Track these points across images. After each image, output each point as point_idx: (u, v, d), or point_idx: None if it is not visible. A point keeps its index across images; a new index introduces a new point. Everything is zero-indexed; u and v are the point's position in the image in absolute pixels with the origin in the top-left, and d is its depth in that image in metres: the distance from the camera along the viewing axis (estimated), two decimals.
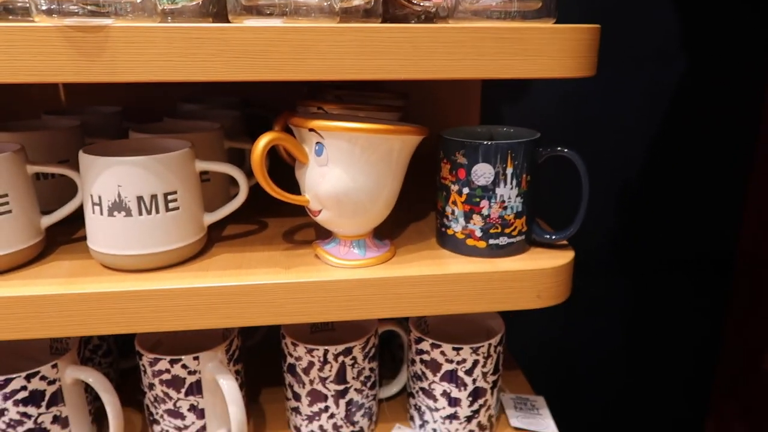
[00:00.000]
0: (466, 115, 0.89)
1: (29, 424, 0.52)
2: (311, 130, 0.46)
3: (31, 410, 0.51)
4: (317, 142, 0.46)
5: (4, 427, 0.51)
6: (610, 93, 1.00)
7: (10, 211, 0.47)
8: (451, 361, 0.56)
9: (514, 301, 0.51)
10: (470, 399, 0.57)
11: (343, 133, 0.45)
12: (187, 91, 0.81)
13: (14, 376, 0.50)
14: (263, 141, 0.45)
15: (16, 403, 0.51)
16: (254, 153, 0.45)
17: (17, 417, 0.51)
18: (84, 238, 0.55)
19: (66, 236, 0.56)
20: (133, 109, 0.77)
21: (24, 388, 0.51)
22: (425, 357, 0.57)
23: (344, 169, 0.46)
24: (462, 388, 0.57)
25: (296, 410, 0.58)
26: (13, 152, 0.48)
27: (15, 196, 0.48)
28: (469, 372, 0.56)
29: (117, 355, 0.68)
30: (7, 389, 0.50)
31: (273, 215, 0.62)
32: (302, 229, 0.59)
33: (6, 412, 0.51)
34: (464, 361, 0.56)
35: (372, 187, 0.48)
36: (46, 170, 0.51)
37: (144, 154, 0.47)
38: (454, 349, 0.55)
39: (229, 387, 0.53)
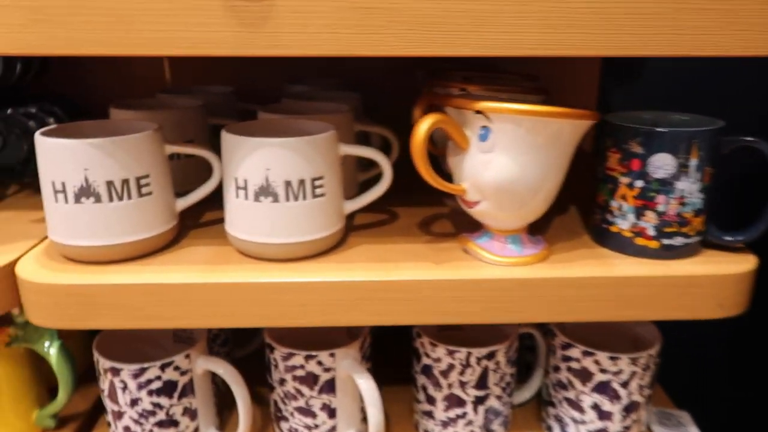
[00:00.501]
0: (580, 100, 0.83)
1: (161, 415, 0.50)
2: (478, 112, 0.41)
3: (164, 401, 0.50)
4: (483, 126, 0.42)
5: (136, 417, 0.50)
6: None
7: (150, 193, 0.45)
8: (606, 371, 0.51)
9: (691, 310, 0.45)
10: (623, 413, 0.52)
11: (515, 117, 0.40)
12: (291, 72, 0.78)
13: (149, 365, 0.48)
14: (426, 124, 0.41)
15: (150, 393, 0.49)
16: (416, 137, 0.41)
17: (150, 407, 0.49)
18: (212, 222, 0.53)
19: (191, 220, 0.54)
20: (240, 90, 0.75)
21: (158, 378, 0.49)
22: (574, 365, 0.52)
23: (512, 157, 0.41)
24: (615, 401, 0.51)
25: (429, 414, 0.55)
26: (153, 131, 0.45)
27: (155, 176, 0.45)
28: (625, 384, 0.51)
29: (232, 345, 0.66)
30: (142, 378, 0.48)
31: (400, 203, 0.58)
32: (438, 220, 0.55)
33: (140, 402, 0.49)
34: (621, 372, 0.50)
35: (539, 177, 0.43)
36: (183, 150, 0.48)
37: (285, 137, 0.43)
38: (610, 358, 0.50)
39: (367, 387, 0.49)
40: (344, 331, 0.58)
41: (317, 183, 0.44)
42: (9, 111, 0.64)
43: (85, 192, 0.43)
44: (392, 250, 0.48)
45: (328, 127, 0.47)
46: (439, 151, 0.52)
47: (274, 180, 0.43)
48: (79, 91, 0.79)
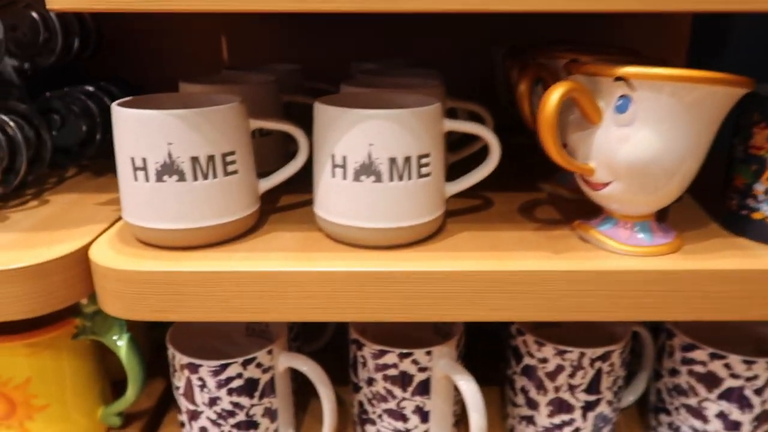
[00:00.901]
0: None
1: (240, 416, 0.46)
2: (619, 79, 0.36)
3: (244, 400, 0.45)
4: (622, 96, 0.36)
5: (214, 417, 0.45)
6: None
7: (236, 172, 0.41)
8: (738, 377, 0.45)
9: None
10: (755, 424, 0.46)
11: (663, 84, 0.35)
12: (353, 52, 0.74)
13: (230, 361, 0.44)
14: (558, 93, 0.36)
15: (230, 392, 0.45)
16: (547, 107, 0.36)
17: (229, 407, 0.45)
18: (291, 205, 0.49)
19: (265, 203, 0.49)
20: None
21: (239, 375, 0.44)
22: (698, 369, 0.47)
23: (655, 131, 0.36)
24: (746, 410, 0.46)
25: (529, 419, 0.49)
26: (239, 103, 0.41)
27: (241, 154, 0.41)
28: (759, 391, 0.45)
29: (303, 340, 0.61)
30: (223, 376, 0.44)
31: (489, 189, 0.53)
32: (539, 206, 0.50)
33: (219, 401, 0.45)
34: (756, 377, 0.45)
35: (681, 156, 0.37)
36: (269, 126, 0.44)
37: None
38: (744, 362, 0.45)
39: (469, 389, 0.44)
40: (430, 327, 0.54)
41: (423, 161, 0.39)
42: (66, 89, 0.61)
43: (168, 169, 0.38)
44: (499, 237, 0.43)
45: (431, 99, 0.42)
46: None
47: (378, 157, 0.38)
48: (133, 71, 0.75)
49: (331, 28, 0.75)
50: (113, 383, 0.54)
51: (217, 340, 0.52)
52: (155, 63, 0.75)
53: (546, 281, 0.39)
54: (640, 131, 0.36)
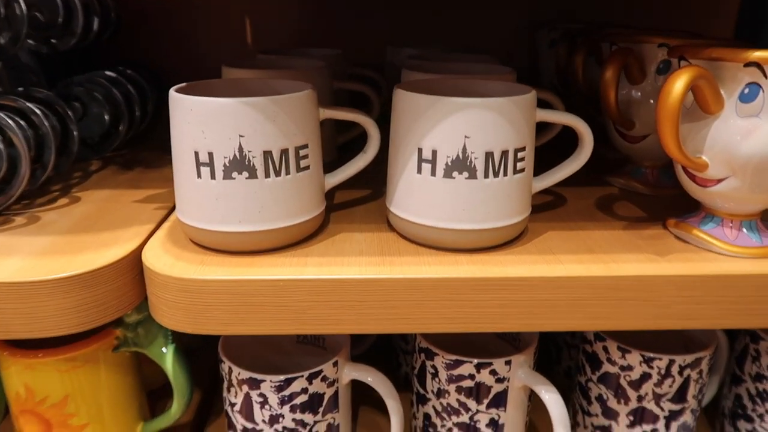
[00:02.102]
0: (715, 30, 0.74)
1: None
2: (750, 64, 0.32)
3: (308, 417, 0.41)
4: (750, 83, 0.33)
5: None
6: None
7: (308, 167, 0.36)
8: None
9: None
10: None
11: None
12: (386, 37, 0.69)
13: (295, 376, 0.40)
14: (682, 81, 0.32)
15: (294, 408, 0.41)
16: (670, 98, 0.32)
17: (291, 425, 0.41)
18: (349, 203, 0.45)
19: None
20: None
21: (305, 390, 0.40)
22: None
23: None
24: None
25: (605, 429, 0.46)
26: (311, 90, 0.36)
27: (312, 147, 0.37)
28: None
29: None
30: (287, 391, 0.40)
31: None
32: (617, 202, 0.46)
33: (281, 419, 0.41)
34: None
35: None
36: (339, 116, 0.39)
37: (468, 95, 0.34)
38: None
39: (553, 401, 0.41)
40: (494, 334, 0.50)
41: (519, 155, 0.36)
42: (86, 75, 0.55)
43: (238, 165, 0.34)
44: (590, 237, 0.40)
45: (524, 87, 0.38)
46: None
47: (474, 151, 0.34)
48: (150, 55, 0.70)
49: (360, 8, 0.70)
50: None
51: (267, 349, 0.48)
52: (172, 48, 0.70)
53: (654, 287, 0.35)
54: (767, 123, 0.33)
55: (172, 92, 0.35)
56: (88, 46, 0.58)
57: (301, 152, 0.36)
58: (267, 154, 0.34)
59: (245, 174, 0.34)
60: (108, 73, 0.57)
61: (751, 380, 0.47)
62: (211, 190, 0.34)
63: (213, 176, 0.34)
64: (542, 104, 0.49)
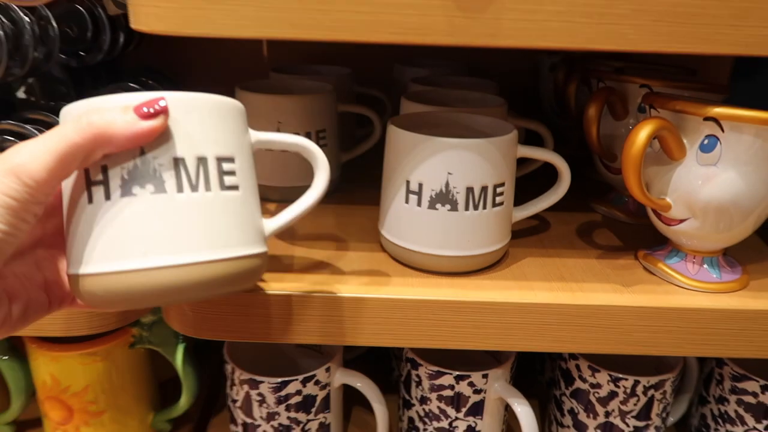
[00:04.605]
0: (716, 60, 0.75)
1: (296, 431, 0.46)
2: (708, 119, 0.35)
3: (301, 416, 0.46)
4: (709, 135, 0.36)
5: (271, 431, 0.46)
6: None
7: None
8: None
9: None
10: None
11: (757, 128, 0.35)
12: (397, 52, 0.72)
13: (290, 379, 0.44)
14: (645, 132, 0.35)
15: (288, 407, 0.45)
16: (635, 145, 0.36)
17: (286, 422, 0.45)
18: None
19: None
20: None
21: (299, 392, 0.45)
22: (748, 399, 0.47)
23: (740, 171, 0.36)
24: None
25: None
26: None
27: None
28: None
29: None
30: (282, 392, 0.44)
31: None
32: (597, 229, 0.50)
33: (277, 417, 0.45)
34: None
35: (764, 195, 0.37)
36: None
37: (450, 133, 0.38)
38: None
39: (524, 413, 0.45)
40: None
41: (499, 190, 0.39)
42: (110, 86, 0.60)
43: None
44: (565, 265, 0.43)
45: (507, 126, 0.41)
46: None
47: (455, 186, 0.38)
48: (169, 66, 0.74)
49: None
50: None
51: (268, 353, 0.52)
52: (191, 59, 0.74)
53: (615, 316, 0.39)
54: (725, 171, 0.36)
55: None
56: (114, 58, 0.63)
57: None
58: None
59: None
60: (132, 84, 0.61)
61: (715, 402, 0.50)
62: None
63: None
64: (532, 135, 0.53)
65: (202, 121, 0.29)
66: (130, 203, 0.27)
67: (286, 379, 0.44)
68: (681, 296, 0.40)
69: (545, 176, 0.48)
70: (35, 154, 0.24)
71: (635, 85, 0.46)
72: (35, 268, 0.30)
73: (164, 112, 0.27)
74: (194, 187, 0.28)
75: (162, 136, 0.27)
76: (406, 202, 0.39)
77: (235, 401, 0.46)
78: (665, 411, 0.49)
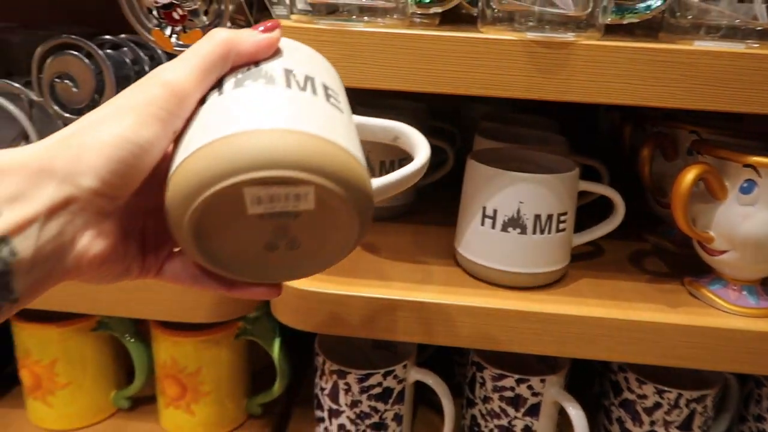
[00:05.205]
0: None
1: (375, 418, 0.53)
2: (747, 165, 0.42)
3: (380, 405, 0.53)
4: (747, 180, 0.42)
5: (353, 417, 0.53)
6: None
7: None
8: None
9: None
10: None
11: None
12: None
13: (373, 372, 0.52)
14: (692, 174, 0.42)
15: (370, 397, 0.52)
16: (682, 186, 0.42)
17: (367, 410, 0.53)
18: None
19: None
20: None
21: (379, 384, 0.52)
22: None
23: None
24: None
25: None
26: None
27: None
28: None
29: None
30: (366, 383, 0.52)
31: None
32: (647, 257, 0.55)
33: (359, 404, 0.52)
34: None
35: None
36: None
37: (521, 168, 0.46)
38: None
39: (578, 416, 0.51)
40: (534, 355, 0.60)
41: (562, 218, 0.46)
42: None
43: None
44: (617, 287, 0.49)
45: (570, 163, 0.48)
46: None
47: (525, 213, 0.45)
48: None
49: None
50: None
51: (350, 349, 0.60)
52: None
53: (660, 331, 0.45)
54: (762, 211, 0.42)
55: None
56: None
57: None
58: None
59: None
60: None
61: (753, 420, 0.54)
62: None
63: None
64: (590, 170, 0.60)
65: (311, 59, 0.31)
66: (240, 92, 0.27)
67: (370, 371, 0.51)
68: (721, 318, 0.45)
69: (601, 206, 0.54)
70: (181, 70, 0.27)
71: (685, 131, 0.52)
72: (140, 233, 0.30)
73: (278, 26, 0.30)
74: (302, 89, 0.27)
75: (275, 55, 0.29)
76: (482, 224, 0.47)
77: (323, 389, 0.54)
78: (706, 425, 0.53)
